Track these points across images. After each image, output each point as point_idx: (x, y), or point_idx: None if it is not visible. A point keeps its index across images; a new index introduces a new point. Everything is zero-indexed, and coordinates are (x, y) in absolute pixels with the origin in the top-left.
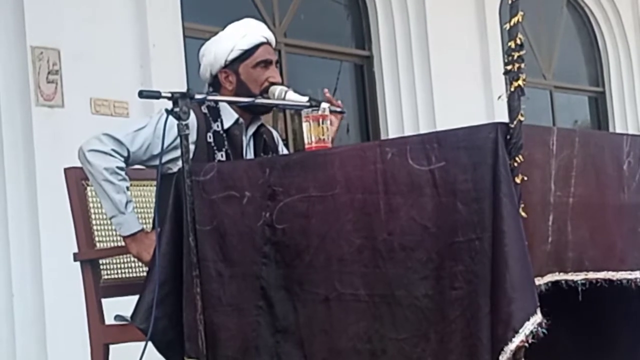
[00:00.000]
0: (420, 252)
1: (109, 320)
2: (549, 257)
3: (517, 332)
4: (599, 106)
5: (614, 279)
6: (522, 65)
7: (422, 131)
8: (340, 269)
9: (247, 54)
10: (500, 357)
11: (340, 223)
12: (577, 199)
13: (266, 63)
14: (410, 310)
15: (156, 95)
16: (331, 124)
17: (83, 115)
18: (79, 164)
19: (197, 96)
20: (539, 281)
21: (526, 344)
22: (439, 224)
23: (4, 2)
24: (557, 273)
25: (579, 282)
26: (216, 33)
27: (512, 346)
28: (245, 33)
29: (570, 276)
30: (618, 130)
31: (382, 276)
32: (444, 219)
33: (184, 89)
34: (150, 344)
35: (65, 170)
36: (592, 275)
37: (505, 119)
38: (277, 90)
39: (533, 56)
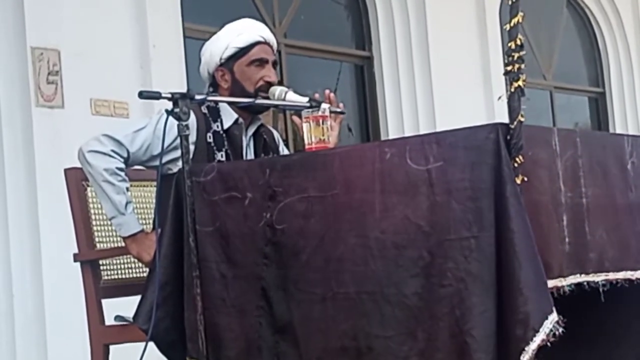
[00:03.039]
0: (411, 250)
1: (109, 320)
2: (569, 258)
3: (537, 331)
4: (599, 107)
5: (633, 278)
6: (522, 66)
7: (422, 132)
8: (337, 268)
9: (242, 52)
10: (521, 357)
11: (338, 223)
12: (590, 199)
13: (261, 62)
14: (399, 307)
15: (156, 95)
16: (332, 129)
17: (83, 116)
18: (79, 165)
19: (197, 97)
20: (562, 282)
21: (548, 343)
22: (433, 223)
23: (4, 2)
24: (578, 275)
25: (600, 282)
26: (214, 34)
27: (533, 346)
28: (241, 32)
29: (592, 277)
30: (618, 131)
31: (372, 274)
32: (437, 217)
33: (184, 90)
34: (151, 344)
35: (66, 171)
36: (612, 275)
37: (506, 120)
38: (277, 90)
39: (533, 57)
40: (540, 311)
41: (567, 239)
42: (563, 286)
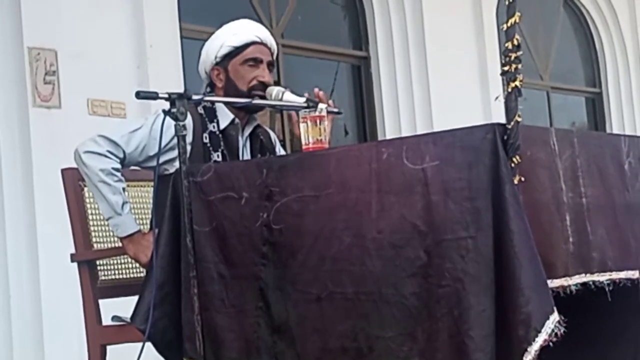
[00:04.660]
0: (408, 250)
1: (106, 321)
2: (574, 258)
3: (539, 331)
4: (595, 107)
5: (634, 278)
6: (519, 66)
7: (420, 132)
8: (332, 267)
9: (236, 51)
10: (524, 358)
11: (333, 222)
12: (590, 199)
13: (255, 61)
14: (397, 308)
15: (153, 96)
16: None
17: (80, 116)
18: (75, 165)
19: (194, 97)
20: (568, 282)
21: (550, 344)
22: (429, 222)
23: (1, 3)
24: (583, 274)
25: (604, 282)
26: (213, 34)
27: (535, 346)
28: (236, 31)
29: (596, 277)
30: (615, 131)
31: (370, 274)
32: (433, 217)
33: (181, 90)
34: (148, 344)
35: (63, 171)
36: (615, 275)
37: (503, 120)
38: (274, 91)
39: (530, 57)
40: (541, 311)
41: (570, 239)
42: (569, 285)
